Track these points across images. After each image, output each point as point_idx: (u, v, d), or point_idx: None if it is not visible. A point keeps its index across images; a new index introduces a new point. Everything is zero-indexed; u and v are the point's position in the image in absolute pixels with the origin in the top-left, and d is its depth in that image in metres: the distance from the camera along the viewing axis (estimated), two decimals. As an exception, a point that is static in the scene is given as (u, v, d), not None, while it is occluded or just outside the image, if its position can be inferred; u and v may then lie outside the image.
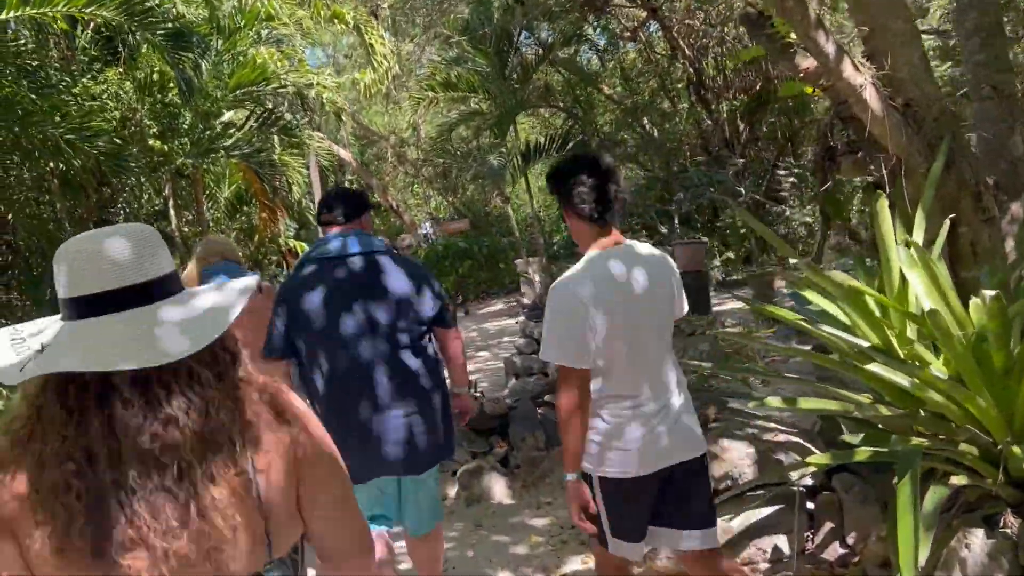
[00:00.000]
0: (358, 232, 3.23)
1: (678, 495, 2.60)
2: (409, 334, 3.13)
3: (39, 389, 1.18)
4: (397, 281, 3.15)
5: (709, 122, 15.22)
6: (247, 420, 1.24)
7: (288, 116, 12.34)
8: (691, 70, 14.61)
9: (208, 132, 9.85)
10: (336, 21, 13.74)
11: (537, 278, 15.58)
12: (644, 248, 2.64)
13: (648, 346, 2.56)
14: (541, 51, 14.76)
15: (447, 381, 3.42)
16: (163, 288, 1.22)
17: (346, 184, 24.29)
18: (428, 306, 3.20)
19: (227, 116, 11.37)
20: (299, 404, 1.36)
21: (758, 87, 15.95)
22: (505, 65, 14.70)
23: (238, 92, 10.49)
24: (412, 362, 3.12)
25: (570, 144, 14.95)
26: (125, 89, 9.13)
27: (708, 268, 10.65)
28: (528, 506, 5.48)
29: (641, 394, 2.53)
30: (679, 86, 15.52)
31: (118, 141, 8.51)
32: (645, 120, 17.06)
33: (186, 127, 9.81)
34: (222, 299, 1.25)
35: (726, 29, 14.03)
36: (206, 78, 9.63)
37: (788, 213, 14.43)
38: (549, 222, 19.92)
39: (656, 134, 17.46)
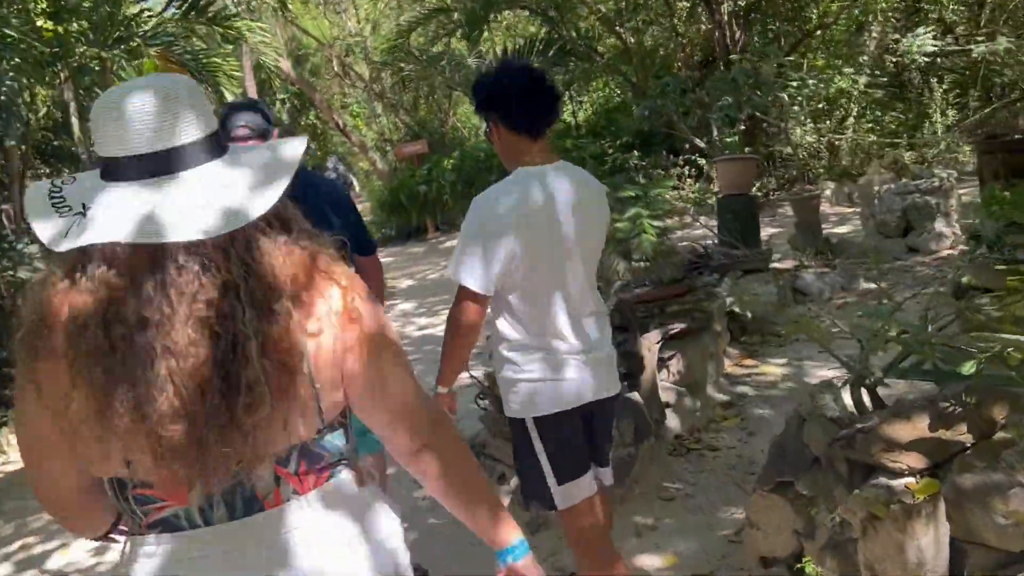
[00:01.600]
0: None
1: (595, 432, 2.53)
2: None
3: (93, 249, 1.09)
4: (315, 203, 2.62)
5: (709, 25, 13.24)
6: (301, 287, 1.17)
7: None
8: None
9: (117, 13, 7.42)
10: None
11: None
12: (578, 169, 2.47)
13: (576, 275, 2.38)
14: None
15: None
16: (207, 149, 1.15)
17: (288, 98, 21.69)
18: (347, 230, 2.82)
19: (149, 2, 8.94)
20: (349, 273, 1.27)
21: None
22: (479, -50, 12.39)
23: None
24: None
25: (552, 51, 12.85)
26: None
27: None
28: (627, 532, 3.65)
29: (566, 327, 2.36)
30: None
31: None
32: (631, 23, 15.00)
33: (89, 3, 7.36)
34: (273, 162, 1.19)
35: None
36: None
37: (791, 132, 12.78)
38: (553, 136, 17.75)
39: (646, 39, 15.46)
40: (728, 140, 10.06)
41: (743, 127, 13.22)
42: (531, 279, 2.31)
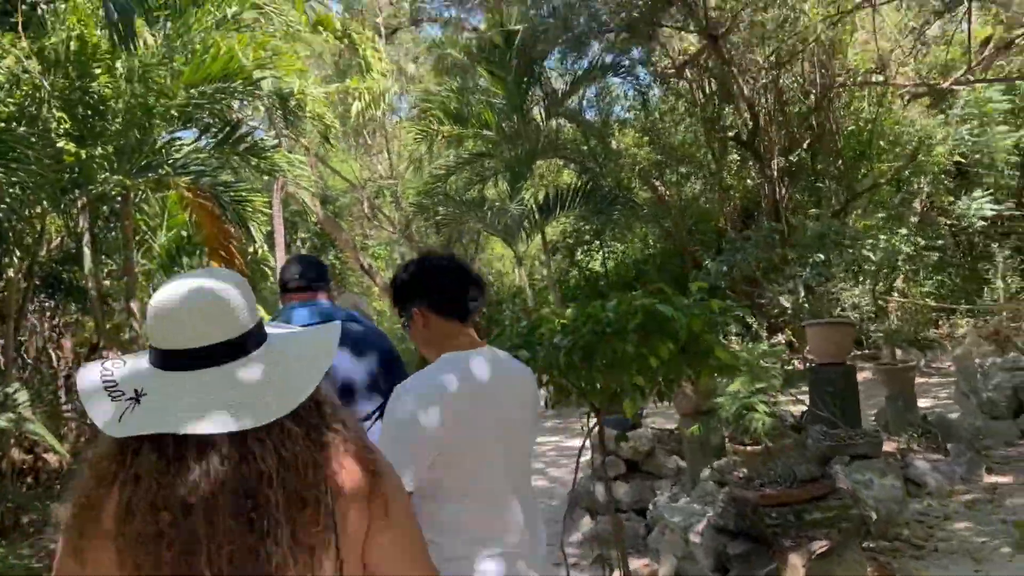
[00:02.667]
0: (319, 302, 3.18)
1: None
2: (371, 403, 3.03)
3: (141, 436, 1.16)
4: (362, 354, 3.05)
5: (759, 179, 12.71)
6: (333, 474, 1.23)
7: (259, 131, 9.24)
8: (746, 115, 12.16)
9: (148, 138, 6.72)
10: (322, 28, 10.88)
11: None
12: (505, 355, 2.38)
13: (509, 469, 2.22)
14: (568, 84, 12.08)
15: None
16: (252, 341, 1.24)
17: (310, 237, 21.23)
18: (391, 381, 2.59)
19: (181, 134, 8.31)
20: (382, 459, 1.34)
21: (807, 143, 13.66)
22: (524, 99, 12.01)
23: (194, 91, 7.43)
24: None
25: (594, 199, 12.25)
26: (20, 61, 5.97)
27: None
28: None
29: (491, 525, 2.18)
30: (730, 134, 12.98)
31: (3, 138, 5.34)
32: (671, 174, 14.57)
33: (117, 127, 6.65)
34: (310, 353, 1.28)
35: (792, 66, 11.71)
36: (150, 58, 6.60)
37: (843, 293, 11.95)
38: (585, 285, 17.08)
39: (688, 190, 14.98)
40: (802, 302, 9.15)
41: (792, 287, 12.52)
42: (453, 473, 2.14)
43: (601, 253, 18.56)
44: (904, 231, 12.55)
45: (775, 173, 12.69)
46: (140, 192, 9.30)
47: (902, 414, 7.66)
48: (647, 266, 18.80)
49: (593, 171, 13.74)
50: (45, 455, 9.39)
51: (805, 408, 5.98)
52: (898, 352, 10.42)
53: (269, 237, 12.91)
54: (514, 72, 11.25)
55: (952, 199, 13.79)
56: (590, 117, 14.81)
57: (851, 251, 8.57)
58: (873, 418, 7.96)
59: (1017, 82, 13.21)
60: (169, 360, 1.20)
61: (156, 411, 1.15)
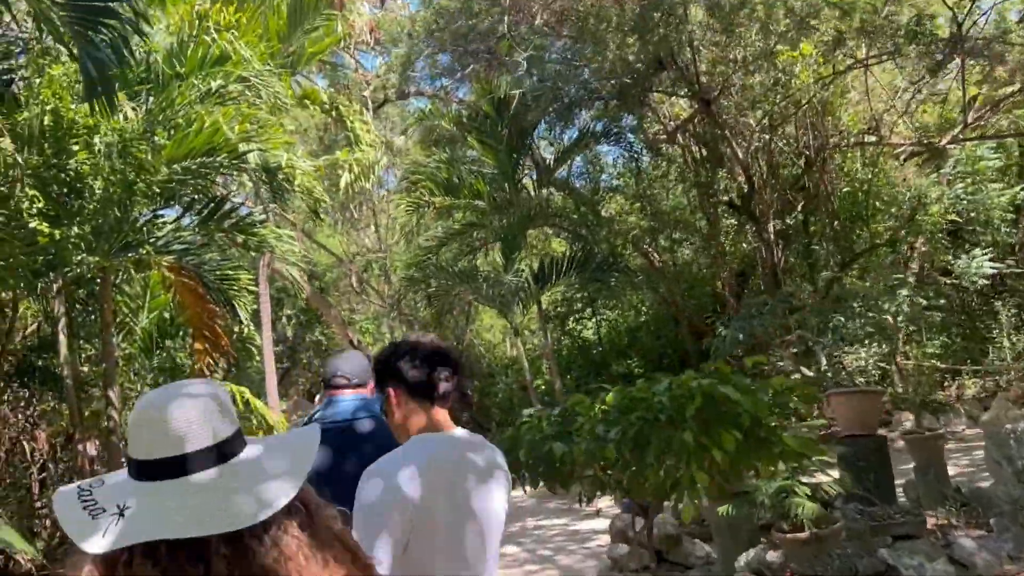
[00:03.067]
0: (364, 398, 3.14)
1: None
2: None
3: (122, 549, 1.13)
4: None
5: (757, 243, 12.46)
6: (326, 566, 1.21)
7: (245, 207, 8.87)
8: (740, 178, 11.98)
9: (128, 217, 6.33)
10: (309, 103, 10.65)
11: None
12: (477, 437, 2.34)
13: (475, 555, 2.17)
14: (559, 152, 11.88)
15: None
16: (234, 448, 1.25)
17: (295, 314, 20.75)
18: None
19: (163, 212, 7.93)
20: (363, 553, 1.33)
21: (800, 205, 13.50)
22: (516, 168, 11.78)
23: (177, 166, 7.09)
24: None
25: (589, 266, 11.93)
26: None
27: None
28: None
29: None
30: (724, 198, 12.78)
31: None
32: (664, 240, 14.34)
33: (94, 206, 6.26)
34: (293, 452, 1.30)
35: (785, 128, 11.59)
36: (131, 132, 6.26)
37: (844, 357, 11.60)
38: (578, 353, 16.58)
39: (680, 256, 14.73)
40: (824, 369, 8.75)
41: (794, 351, 12.18)
42: (427, 561, 2.12)
43: (594, 321, 18.19)
44: (905, 292, 12.30)
45: (771, 236, 12.45)
46: (120, 273, 8.87)
47: (934, 486, 7.21)
48: (640, 333, 18.44)
49: (585, 239, 13.48)
50: (16, 556, 8.75)
51: (831, 483, 5.50)
52: (918, 419, 10.00)
53: (255, 315, 12.47)
54: (505, 141, 11.04)
55: (951, 258, 13.61)
56: (579, 186, 14.65)
57: (871, 314, 8.24)
58: (901, 491, 7.50)
59: (1009, 139, 13.19)
60: (149, 470, 1.21)
61: (143, 520, 1.15)
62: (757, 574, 5.26)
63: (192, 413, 1.23)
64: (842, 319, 7.87)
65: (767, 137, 11.86)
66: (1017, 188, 13.59)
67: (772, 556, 5.00)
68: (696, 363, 15.57)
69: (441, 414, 2.28)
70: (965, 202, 13.35)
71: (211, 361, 8.69)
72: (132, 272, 9.43)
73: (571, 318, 18.73)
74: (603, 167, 14.93)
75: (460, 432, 2.30)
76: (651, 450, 2.55)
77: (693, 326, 15.71)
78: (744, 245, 12.76)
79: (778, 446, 2.72)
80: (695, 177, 12.44)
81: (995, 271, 13.12)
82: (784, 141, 12.25)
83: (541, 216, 12.05)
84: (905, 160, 12.07)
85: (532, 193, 11.95)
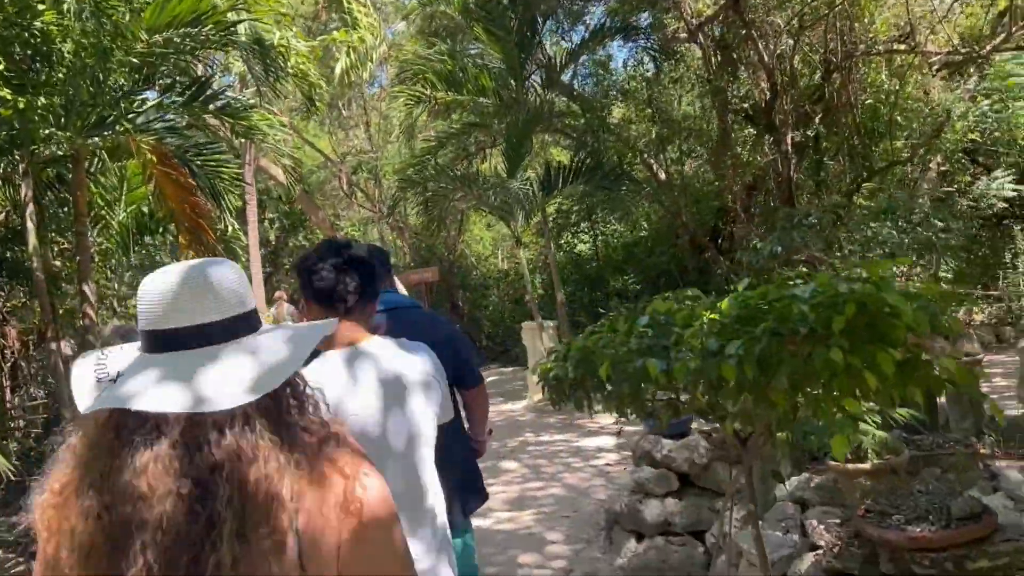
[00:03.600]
0: (387, 290, 3.19)
1: None
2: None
3: (107, 415, 1.17)
4: (428, 338, 2.77)
5: (775, 154, 11.78)
6: (299, 475, 1.16)
7: (231, 86, 8.02)
8: (764, 84, 11.21)
9: (103, 89, 5.54)
10: (300, -21, 9.67)
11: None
12: (386, 349, 2.23)
13: (393, 477, 1.85)
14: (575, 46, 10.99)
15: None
16: (231, 329, 1.21)
17: (278, 217, 19.96)
18: (455, 365, 3.04)
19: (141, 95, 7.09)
20: (362, 463, 1.25)
21: (818, 118, 12.77)
22: (525, 64, 10.92)
23: (159, 37, 6.25)
24: None
25: (600, 174, 11.23)
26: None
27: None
28: None
29: None
30: (743, 105, 12.02)
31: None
32: (673, 150, 13.62)
33: (63, 74, 5.46)
34: (289, 346, 1.23)
35: (814, 32, 10.78)
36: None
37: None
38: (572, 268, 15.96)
39: (688, 167, 14.06)
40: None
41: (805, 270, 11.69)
42: None
43: (591, 235, 17.58)
44: (921, 212, 11.76)
45: (789, 148, 11.77)
46: (95, 159, 8.08)
47: (965, 415, 6.81)
48: (637, 248, 17.87)
49: (592, 146, 12.73)
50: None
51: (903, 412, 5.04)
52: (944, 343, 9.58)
53: (240, 214, 11.72)
54: (515, 32, 10.16)
55: (970, 179, 13.05)
56: (587, 89, 13.81)
57: (919, 228, 7.71)
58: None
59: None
60: (150, 342, 1.20)
61: (116, 391, 1.15)
62: (800, 504, 4.84)
63: (200, 285, 1.20)
64: (893, 232, 7.33)
65: (792, 41, 11.05)
66: (1047, 107, 12.96)
67: (819, 484, 4.56)
68: (696, 280, 15.09)
69: (348, 327, 2.17)
70: (991, 120, 12.72)
71: (197, 257, 7.99)
72: (107, 160, 8.64)
73: (567, 231, 18.08)
74: (612, 71, 14.01)
75: (372, 344, 2.21)
76: (783, 370, 1.95)
77: (695, 241, 15.16)
78: (759, 157, 12.08)
79: (942, 372, 2.13)
80: (715, 81, 11.63)
81: (1015, 193, 12.61)
82: (809, 46, 11.44)
83: (548, 118, 11.25)
84: (938, 71, 11.34)
85: (540, 92, 11.13)
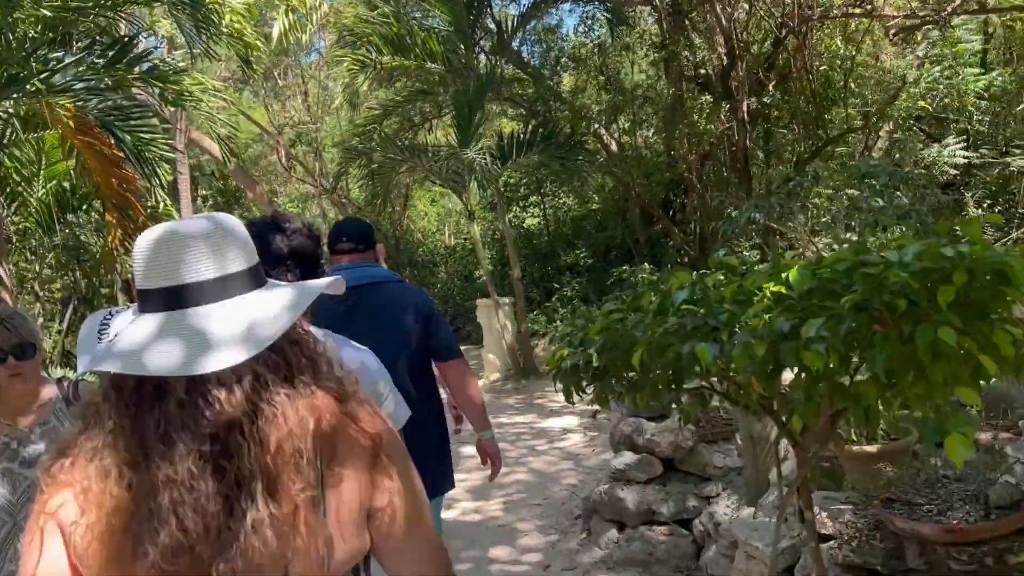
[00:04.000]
0: (369, 263, 3.28)
1: None
2: (409, 363, 3.19)
3: (108, 375, 1.16)
4: (403, 312, 3.24)
5: (732, 122, 11.49)
6: (320, 430, 1.15)
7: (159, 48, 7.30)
8: (721, 49, 10.89)
9: (10, 44, 4.86)
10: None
11: (509, 329, 11.15)
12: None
13: None
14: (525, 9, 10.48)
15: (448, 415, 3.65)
16: (232, 284, 1.16)
17: (212, 194, 19.05)
18: (429, 338, 3.28)
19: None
20: (382, 417, 1.26)
21: (771, 85, 12.54)
22: (475, 26, 10.38)
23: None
24: (411, 392, 3.05)
25: (554, 143, 10.79)
26: None
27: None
28: None
29: None
30: (701, 71, 11.67)
31: None
32: (625, 120, 13.25)
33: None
34: (286, 301, 1.18)
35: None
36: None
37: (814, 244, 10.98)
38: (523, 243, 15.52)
39: (641, 137, 13.72)
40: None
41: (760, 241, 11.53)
42: None
43: (541, 208, 17.17)
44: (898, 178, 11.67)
45: (745, 116, 11.50)
46: (6, 128, 7.30)
47: None
48: (586, 222, 17.52)
49: (543, 116, 12.26)
50: None
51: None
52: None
53: (172, 190, 10.96)
54: (466, -8, 9.61)
55: (921, 147, 13.00)
56: (537, 56, 13.32)
57: (898, 193, 7.48)
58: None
59: (995, 19, 12.42)
60: (147, 301, 1.16)
61: (111, 351, 1.12)
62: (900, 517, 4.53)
63: (182, 244, 1.14)
64: (879, 200, 7.08)
65: (747, 5, 10.75)
66: (994, 73, 12.97)
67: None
68: (648, 253, 14.83)
69: None
70: (942, 87, 12.68)
71: (125, 236, 7.30)
72: (20, 131, 7.85)
73: (515, 204, 17.62)
74: (562, 37, 13.53)
75: None
76: (879, 356, 1.54)
77: (646, 213, 14.88)
78: (714, 126, 11.79)
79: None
80: (670, 46, 11.24)
81: (966, 160, 12.61)
82: (765, 11, 11.15)
83: (499, 85, 10.74)
84: (895, 35, 11.18)
85: (491, 58, 10.59)
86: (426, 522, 1.28)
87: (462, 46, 10.18)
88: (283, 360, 1.16)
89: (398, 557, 1.26)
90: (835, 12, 10.94)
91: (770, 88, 12.18)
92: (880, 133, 13.11)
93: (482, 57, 10.54)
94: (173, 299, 1.13)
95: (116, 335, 1.15)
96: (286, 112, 16.37)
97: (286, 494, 1.09)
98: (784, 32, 11.21)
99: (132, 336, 1.12)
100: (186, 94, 6.82)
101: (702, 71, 11.63)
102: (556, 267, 16.79)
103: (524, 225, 18.24)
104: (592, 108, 13.03)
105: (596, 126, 13.21)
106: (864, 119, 12.71)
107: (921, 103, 12.76)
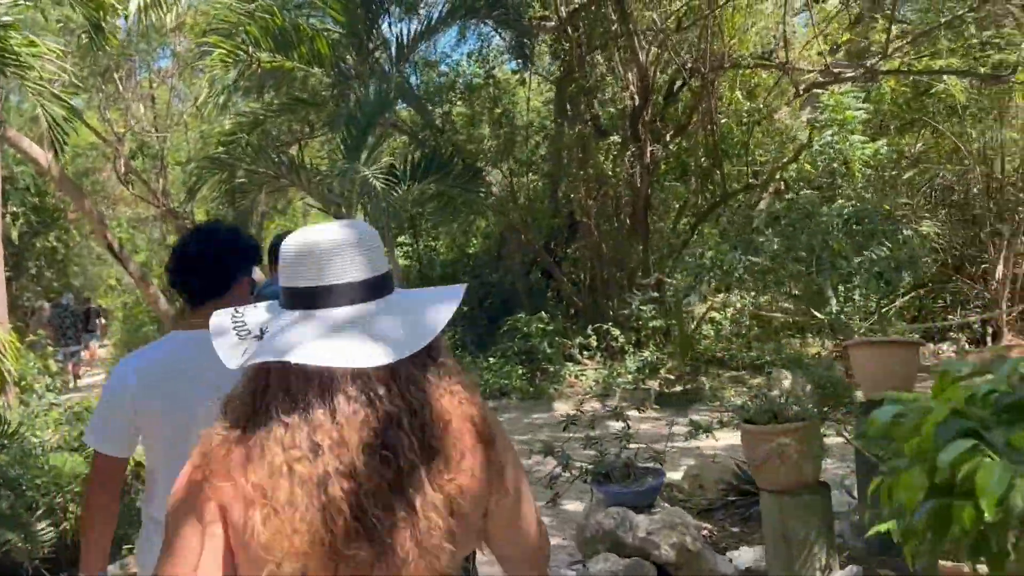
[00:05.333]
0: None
1: None
2: None
3: (261, 373, 1.18)
4: None
5: (636, 168, 10.74)
6: (453, 426, 1.21)
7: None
8: (633, 88, 10.14)
9: None
10: None
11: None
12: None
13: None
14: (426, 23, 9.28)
15: None
16: (380, 286, 1.23)
17: (24, 211, 16.37)
18: None
19: None
20: (493, 416, 1.32)
21: (668, 135, 12.02)
22: (371, 33, 9.07)
23: None
24: None
25: (454, 173, 9.60)
26: None
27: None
28: None
29: None
30: (611, 110, 10.88)
31: None
32: (520, 155, 12.27)
33: None
34: (435, 300, 1.26)
35: (686, 36, 9.89)
36: None
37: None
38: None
39: (533, 178, 12.77)
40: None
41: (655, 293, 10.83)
42: (151, 450, 2.26)
43: (415, 247, 15.83)
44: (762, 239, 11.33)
45: (649, 162, 10.82)
46: None
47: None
48: (459, 267, 16.35)
49: (429, 145, 11.06)
50: None
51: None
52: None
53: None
54: (359, -8, 8.29)
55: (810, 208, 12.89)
56: (423, 84, 12.15)
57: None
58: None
59: (885, 90, 12.55)
60: (292, 299, 1.20)
61: (274, 344, 1.15)
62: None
63: (353, 245, 1.21)
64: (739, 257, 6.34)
65: (657, 49, 10.12)
66: (880, 142, 13.13)
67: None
68: (526, 302, 13.80)
69: (204, 312, 1.97)
70: (831, 151, 12.67)
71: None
72: None
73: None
74: (453, 64, 12.47)
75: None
76: None
77: (529, 260, 13.94)
78: (619, 170, 11.02)
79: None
80: (583, 81, 10.40)
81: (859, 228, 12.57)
82: (674, 53, 10.56)
83: (396, 100, 9.45)
84: (806, 91, 10.90)
85: (388, 70, 9.28)
86: (531, 511, 1.34)
87: (355, 52, 8.83)
88: (426, 358, 1.19)
89: (503, 548, 1.34)
90: (748, 62, 10.52)
91: (667, 137, 11.64)
92: (770, 190, 12.91)
93: (382, 65, 9.21)
94: (333, 298, 1.18)
95: (262, 330, 1.19)
96: (127, 121, 14.17)
97: (439, 482, 1.14)
98: (692, 77, 10.68)
99: (297, 330, 1.16)
100: (9, 56, 5.07)
101: (611, 110, 10.85)
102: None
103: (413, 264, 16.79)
104: (484, 142, 11.96)
105: (484, 163, 12.16)
106: (755, 176, 12.45)
107: (807, 166, 12.68)
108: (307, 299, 1.17)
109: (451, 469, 1.16)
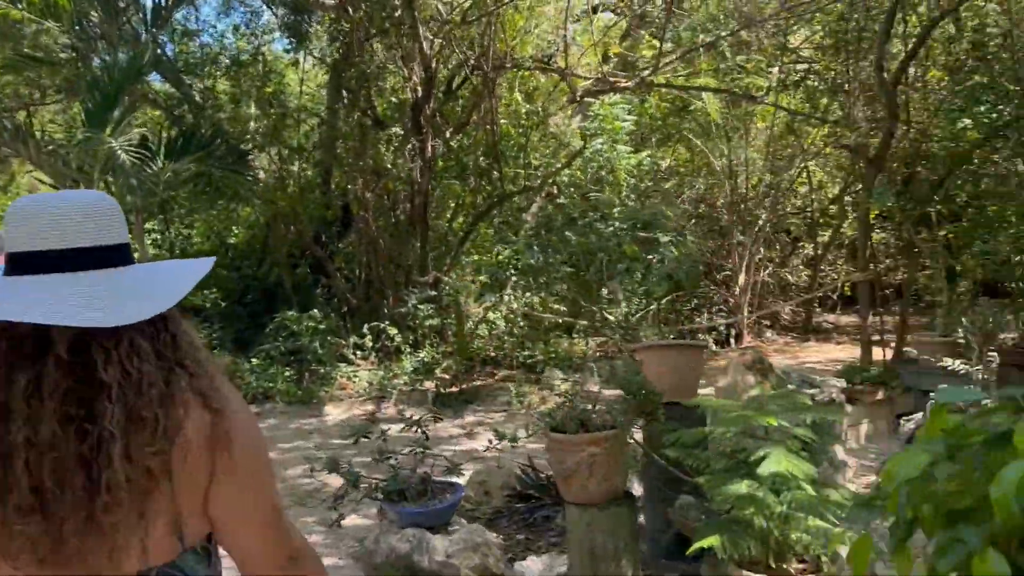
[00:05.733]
0: None
1: None
2: None
3: None
4: None
5: (418, 163, 10.40)
6: (175, 402, 1.17)
7: None
8: (416, 79, 9.77)
9: None
10: None
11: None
12: None
13: None
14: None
15: None
16: (108, 258, 1.17)
17: None
18: None
19: None
20: (233, 397, 1.26)
21: (448, 132, 11.84)
22: (121, -13, 7.95)
23: None
24: None
25: (218, 152, 8.72)
26: None
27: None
28: None
29: None
30: (393, 100, 10.40)
31: None
32: (291, 139, 11.47)
33: None
34: (176, 270, 1.23)
35: (471, 31, 9.70)
36: None
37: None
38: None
39: (308, 166, 11.97)
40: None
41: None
42: None
43: (166, 235, 14.38)
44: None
45: (430, 153, 10.54)
46: None
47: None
48: (219, 257, 15.07)
49: (187, 123, 10.02)
50: None
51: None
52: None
53: None
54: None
55: (582, 213, 13.31)
56: (196, 49, 11.00)
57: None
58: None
59: (654, 104, 13.21)
60: (15, 264, 1.15)
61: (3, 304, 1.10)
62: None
63: (88, 209, 1.15)
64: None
65: (441, 41, 9.88)
66: (644, 153, 13.83)
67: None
68: (293, 298, 13.02)
69: None
70: (601, 159, 13.15)
71: None
72: None
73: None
74: (223, 34, 11.40)
75: None
76: None
77: (295, 253, 13.16)
78: (401, 163, 10.61)
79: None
80: (362, 67, 9.87)
81: (621, 230, 13.14)
82: (459, 47, 10.38)
83: (152, 69, 8.37)
84: (582, 97, 11.15)
85: (143, 34, 8.17)
86: (265, 499, 1.27)
87: (101, 9, 7.69)
88: (155, 331, 1.15)
89: (234, 537, 1.26)
90: (528, 63, 10.57)
91: (447, 133, 11.47)
92: (543, 194, 13.15)
93: (133, 26, 8.08)
94: (58, 262, 1.12)
95: None
96: None
97: (141, 456, 1.10)
98: (474, 73, 10.56)
99: (20, 292, 1.10)
100: None
101: (392, 99, 10.42)
102: (179, 308, 14.04)
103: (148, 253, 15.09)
104: (251, 123, 11.05)
105: (250, 146, 11.24)
106: (542, 180, 12.63)
107: (578, 172, 13.07)
108: (23, 263, 1.12)
109: (156, 442, 1.11)
